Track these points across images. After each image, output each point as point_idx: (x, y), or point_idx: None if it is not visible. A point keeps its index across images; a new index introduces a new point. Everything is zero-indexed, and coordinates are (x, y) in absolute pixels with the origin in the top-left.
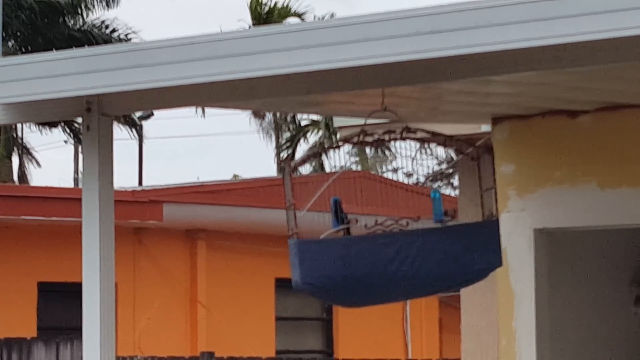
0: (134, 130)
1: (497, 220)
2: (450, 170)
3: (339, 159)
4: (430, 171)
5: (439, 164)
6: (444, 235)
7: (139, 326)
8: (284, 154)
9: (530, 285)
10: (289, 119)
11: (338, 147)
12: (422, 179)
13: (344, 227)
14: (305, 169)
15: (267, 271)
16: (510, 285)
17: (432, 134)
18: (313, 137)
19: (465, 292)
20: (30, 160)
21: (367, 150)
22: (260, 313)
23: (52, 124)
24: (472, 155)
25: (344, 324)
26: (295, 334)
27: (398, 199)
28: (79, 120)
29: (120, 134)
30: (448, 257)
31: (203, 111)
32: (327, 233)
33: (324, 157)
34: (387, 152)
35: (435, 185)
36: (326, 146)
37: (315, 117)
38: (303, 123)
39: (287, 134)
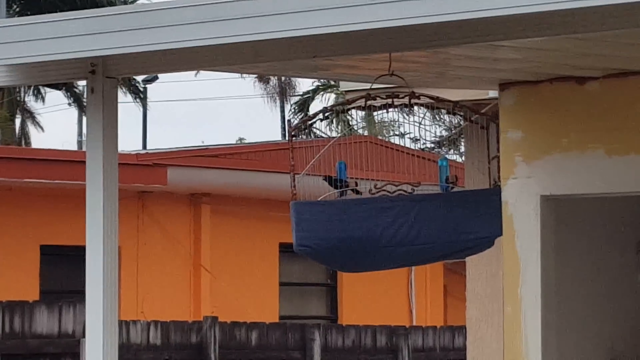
0: (137, 98)
1: (499, 188)
2: (457, 137)
3: (344, 123)
4: (437, 137)
5: (446, 129)
6: (443, 202)
7: (143, 290)
8: (293, 115)
9: (536, 253)
10: (299, 82)
11: (343, 111)
12: (429, 145)
13: (344, 189)
14: (311, 132)
15: (272, 236)
16: (517, 252)
17: (438, 100)
18: (328, 101)
19: (470, 259)
20: (34, 124)
21: (375, 115)
22: (264, 278)
23: (52, 86)
24: (480, 123)
25: (348, 289)
26: (299, 300)
27: (404, 164)
28: (81, 83)
29: (125, 98)
30: (447, 224)
31: (196, 73)
32: (325, 195)
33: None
34: (395, 117)
35: (441, 152)
36: (330, 109)
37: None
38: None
39: (296, 97)
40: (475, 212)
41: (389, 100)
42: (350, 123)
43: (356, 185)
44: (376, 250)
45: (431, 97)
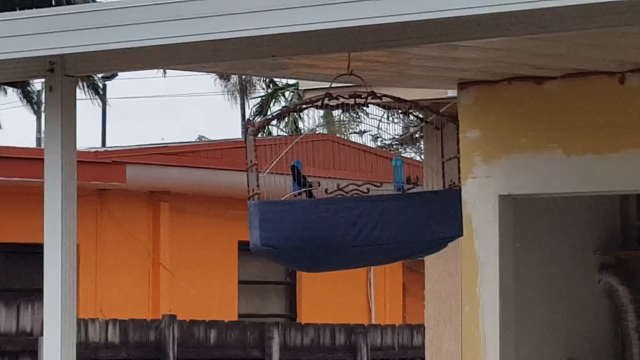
0: (96, 94)
1: (459, 189)
2: (417, 135)
3: (305, 121)
4: (396, 135)
5: (405, 128)
6: (405, 203)
7: (101, 289)
8: (252, 116)
9: (494, 252)
10: (261, 82)
11: (302, 109)
12: (388, 142)
13: (303, 190)
14: (268, 131)
15: (231, 234)
16: (475, 252)
17: (397, 100)
18: (286, 101)
19: (429, 258)
20: None
21: (335, 113)
22: (223, 276)
23: (10, 84)
24: (436, 124)
25: (307, 288)
26: (259, 298)
27: (363, 162)
28: (35, 82)
29: (84, 95)
30: (409, 225)
31: (164, 72)
32: (287, 196)
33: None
34: (353, 115)
35: (401, 150)
36: (290, 108)
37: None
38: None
39: (258, 95)
40: (436, 213)
41: (346, 101)
42: (308, 122)
43: (319, 185)
44: (340, 251)
45: (391, 98)
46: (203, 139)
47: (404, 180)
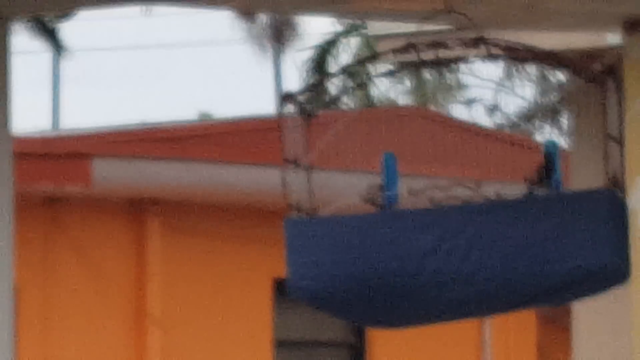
0: (51, 45)
1: (622, 188)
2: (557, 107)
3: (376, 87)
4: (527, 106)
5: (541, 94)
6: (521, 214)
7: (53, 351)
8: (299, 81)
9: None
10: (307, 24)
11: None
12: (511, 119)
13: (368, 198)
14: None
15: (259, 267)
16: None
17: (525, 50)
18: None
19: (579, 306)
20: None
21: (423, 74)
22: (247, 333)
23: None
24: (593, 82)
25: (381, 351)
26: None
27: (471, 149)
28: None
29: (26, 46)
30: (525, 249)
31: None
32: (335, 206)
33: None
34: (454, 75)
35: (531, 129)
36: (352, 66)
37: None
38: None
39: (304, 48)
40: (576, 227)
41: (446, 54)
42: (382, 88)
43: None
44: (412, 292)
45: (513, 47)
46: (208, 117)
47: (559, 177)
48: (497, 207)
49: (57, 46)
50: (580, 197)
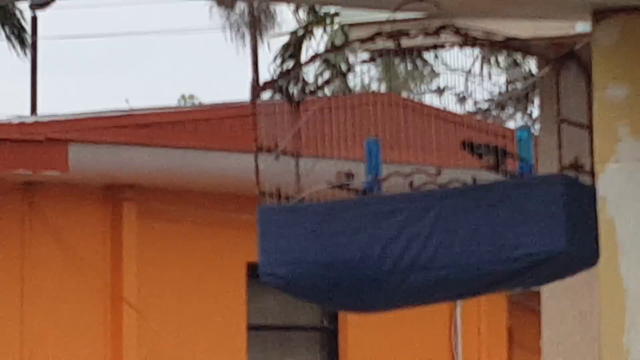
0: (19, 33)
1: (594, 176)
2: (527, 94)
3: (351, 75)
4: (495, 93)
5: (509, 82)
6: (477, 199)
7: (31, 336)
8: (273, 68)
9: None
10: (284, 12)
11: (342, 52)
12: (482, 106)
13: (336, 185)
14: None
15: (234, 252)
16: (620, 278)
17: (484, 37)
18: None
19: (548, 290)
20: None
21: (395, 61)
22: (222, 317)
23: None
24: (556, 77)
25: (355, 335)
26: (280, 351)
27: (444, 136)
28: None
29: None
30: (482, 235)
31: None
32: (306, 193)
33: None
34: (424, 63)
35: (502, 115)
36: (324, 53)
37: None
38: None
39: (279, 34)
40: (531, 213)
41: (415, 42)
42: (357, 75)
43: (350, 176)
44: (376, 278)
45: (473, 35)
46: (190, 100)
47: (532, 163)
48: (456, 194)
49: (31, 31)
50: (535, 183)
